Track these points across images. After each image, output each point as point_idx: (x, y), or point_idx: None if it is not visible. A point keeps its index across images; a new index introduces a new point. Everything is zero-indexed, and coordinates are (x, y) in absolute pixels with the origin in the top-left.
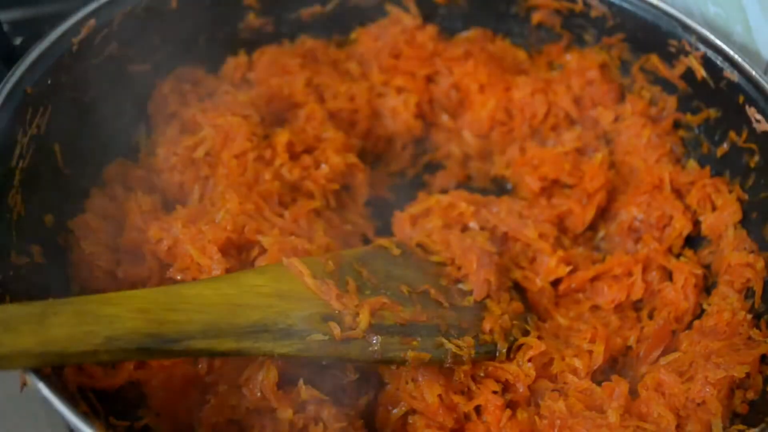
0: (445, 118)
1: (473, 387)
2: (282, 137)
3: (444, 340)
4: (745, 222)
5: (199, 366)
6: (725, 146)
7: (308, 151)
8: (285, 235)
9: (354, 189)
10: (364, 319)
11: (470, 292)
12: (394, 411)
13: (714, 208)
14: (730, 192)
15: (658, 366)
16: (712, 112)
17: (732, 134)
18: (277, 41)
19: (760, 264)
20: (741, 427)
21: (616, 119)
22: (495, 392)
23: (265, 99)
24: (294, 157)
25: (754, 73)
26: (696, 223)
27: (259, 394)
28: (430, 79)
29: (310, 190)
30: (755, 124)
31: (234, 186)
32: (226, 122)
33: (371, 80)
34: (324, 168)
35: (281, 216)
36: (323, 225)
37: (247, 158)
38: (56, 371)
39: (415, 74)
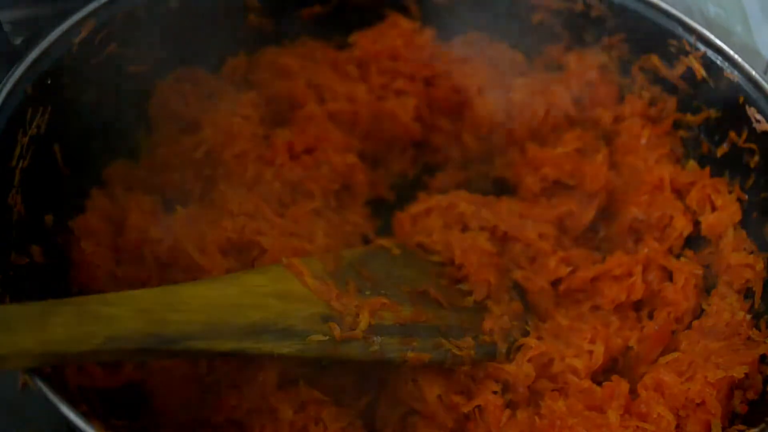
0: (444, 120)
1: (473, 387)
2: (282, 137)
3: (444, 341)
4: (744, 222)
5: (199, 366)
6: (725, 146)
7: (308, 151)
8: (285, 235)
9: (354, 189)
10: (364, 319)
11: (470, 293)
12: (394, 411)
13: (714, 209)
14: (730, 192)
15: (658, 366)
16: (712, 112)
17: (732, 134)
18: (277, 41)
19: (760, 264)
20: (741, 427)
21: (616, 120)
22: (495, 392)
23: (265, 99)
24: (294, 157)
25: (754, 73)
26: (696, 224)
27: (259, 394)
28: (429, 82)
29: (311, 190)
30: (755, 124)
31: (234, 186)
32: (226, 122)
33: (370, 83)
34: (324, 168)
35: (281, 216)
36: (323, 225)
37: (247, 158)
38: (56, 371)
39: (414, 77)
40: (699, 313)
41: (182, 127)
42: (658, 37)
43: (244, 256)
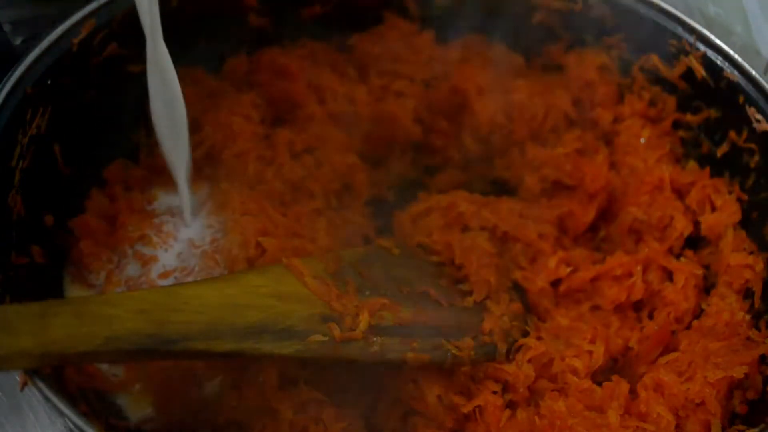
0: (444, 122)
1: (473, 387)
2: (283, 137)
3: (444, 341)
4: (744, 222)
5: (199, 366)
6: (725, 146)
7: (309, 150)
8: (286, 235)
9: (355, 189)
10: (363, 320)
11: (470, 293)
12: (394, 411)
13: (714, 209)
14: (730, 193)
15: (658, 366)
16: (712, 112)
17: (732, 134)
18: (277, 42)
19: (760, 265)
20: (741, 427)
21: (616, 120)
22: (495, 392)
23: (266, 99)
24: (295, 156)
25: (754, 73)
26: (696, 224)
27: (259, 394)
28: (428, 84)
29: (312, 189)
30: (755, 124)
31: (235, 186)
32: (226, 122)
33: (370, 84)
34: (325, 167)
35: (282, 216)
36: (324, 225)
37: (248, 158)
38: (56, 371)
39: (413, 78)
40: (699, 313)
41: None
42: (658, 37)
43: None
